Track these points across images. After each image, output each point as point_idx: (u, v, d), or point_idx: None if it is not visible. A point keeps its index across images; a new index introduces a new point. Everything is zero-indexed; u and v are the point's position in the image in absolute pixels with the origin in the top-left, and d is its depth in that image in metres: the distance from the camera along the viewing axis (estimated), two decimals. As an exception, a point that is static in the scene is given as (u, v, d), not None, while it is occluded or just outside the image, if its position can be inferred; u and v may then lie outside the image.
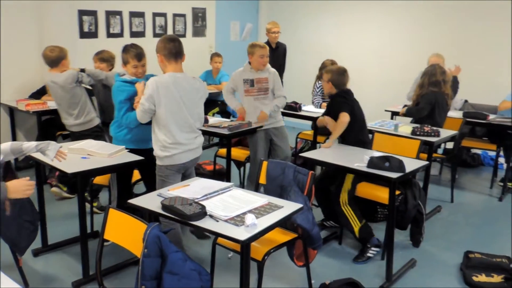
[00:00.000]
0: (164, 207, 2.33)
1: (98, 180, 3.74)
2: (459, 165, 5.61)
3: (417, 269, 3.43)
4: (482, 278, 3.23)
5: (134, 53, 3.36)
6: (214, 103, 6.44)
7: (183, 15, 6.94)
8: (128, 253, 2.25)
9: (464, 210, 4.60)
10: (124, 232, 2.23)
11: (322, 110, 4.71)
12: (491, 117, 4.98)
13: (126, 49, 3.40)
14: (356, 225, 3.51)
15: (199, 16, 7.17)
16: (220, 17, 7.49)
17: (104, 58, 4.49)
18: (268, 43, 6.07)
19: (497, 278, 3.22)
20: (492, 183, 5.28)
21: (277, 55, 6.05)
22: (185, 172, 3.29)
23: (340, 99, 3.77)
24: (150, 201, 2.47)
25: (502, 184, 5.05)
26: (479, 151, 6.05)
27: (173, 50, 3.07)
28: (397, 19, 6.79)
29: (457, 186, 4.99)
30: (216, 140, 6.63)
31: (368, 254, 3.53)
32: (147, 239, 2.00)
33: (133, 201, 2.50)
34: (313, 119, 4.94)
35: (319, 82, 5.25)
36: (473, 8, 6.07)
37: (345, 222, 3.56)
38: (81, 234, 3.03)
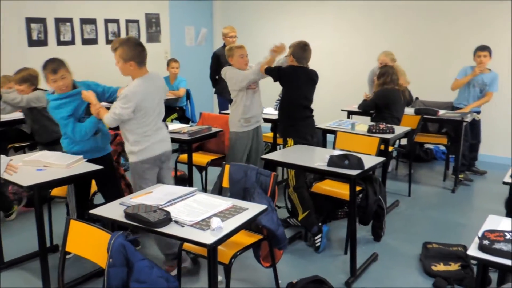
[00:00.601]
0: (127, 215, 2.29)
1: (56, 192, 3.62)
2: (414, 160, 5.82)
3: (380, 262, 3.53)
4: (440, 267, 3.37)
5: (50, 68, 3.25)
6: (172, 109, 6.38)
7: (136, 21, 6.84)
8: (91, 265, 2.19)
9: (420, 203, 4.77)
10: (87, 243, 2.18)
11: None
12: (441, 112, 5.21)
13: (44, 65, 3.31)
14: (300, 212, 3.68)
15: (152, 21, 7.09)
16: (174, 23, 7.44)
17: (24, 78, 4.11)
18: (224, 47, 6.09)
19: (454, 266, 3.36)
20: (445, 176, 5.51)
21: (234, 59, 6.08)
22: (160, 170, 3.31)
23: (277, 68, 3.93)
24: (113, 210, 2.41)
25: (454, 176, 5.28)
26: (431, 146, 6.31)
27: (144, 54, 3.14)
28: (350, 21, 6.97)
29: (412, 180, 5.17)
30: (175, 146, 6.56)
31: (316, 244, 3.68)
32: (112, 249, 1.96)
33: (95, 211, 2.43)
34: (272, 121, 5.01)
35: None
36: (423, 9, 6.32)
37: (293, 207, 3.76)
38: (40, 249, 2.92)
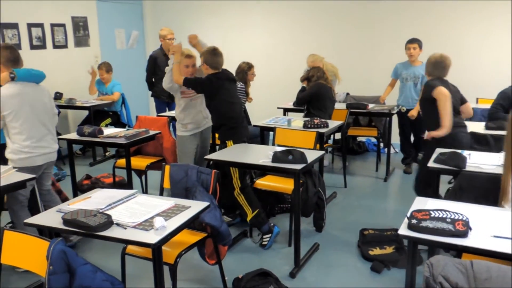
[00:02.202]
0: (66, 221, 2.22)
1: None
2: (348, 153, 6.08)
3: (321, 252, 3.67)
4: (377, 251, 3.56)
5: None
6: (105, 114, 6.21)
7: (63, 25, 6.57)
8: (31, 278, 2.11)
9: (356, 193, 5.00)
10: (24, 253, 2.09)
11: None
12: (370, 106, 5.49)
13: None
14: (249, 213, 3.70)
15: (80, 25, 6.85)
16: (103, 26, 7.23)
17: None
18: (161, 49, 6.02)
19: (389, 249, 3.57)
20: (377, 166, 5.80)
21: (171, 61, 6.04)
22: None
23: (203, 79, 3.87)
24: (50, 218, 2.33)
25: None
26: (363, 139, 6.62)
27: (11, 58, 3.15)
28: (280, 20, 7.14)
29: (347, 172, 5.41)
30: (112, 152, 6.40)
31: (263, 242, 3.74)
32: (52, 256, 1.90)
33: (31, 220, 2.35)
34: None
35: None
36: (350, 8, 6.61)
37: (240, 209, 3.77)
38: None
